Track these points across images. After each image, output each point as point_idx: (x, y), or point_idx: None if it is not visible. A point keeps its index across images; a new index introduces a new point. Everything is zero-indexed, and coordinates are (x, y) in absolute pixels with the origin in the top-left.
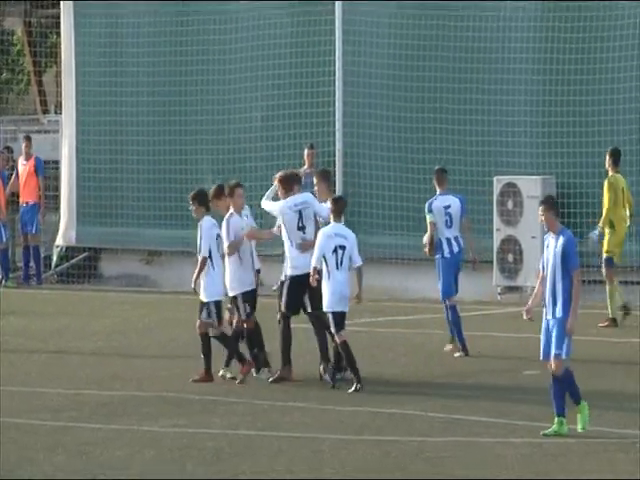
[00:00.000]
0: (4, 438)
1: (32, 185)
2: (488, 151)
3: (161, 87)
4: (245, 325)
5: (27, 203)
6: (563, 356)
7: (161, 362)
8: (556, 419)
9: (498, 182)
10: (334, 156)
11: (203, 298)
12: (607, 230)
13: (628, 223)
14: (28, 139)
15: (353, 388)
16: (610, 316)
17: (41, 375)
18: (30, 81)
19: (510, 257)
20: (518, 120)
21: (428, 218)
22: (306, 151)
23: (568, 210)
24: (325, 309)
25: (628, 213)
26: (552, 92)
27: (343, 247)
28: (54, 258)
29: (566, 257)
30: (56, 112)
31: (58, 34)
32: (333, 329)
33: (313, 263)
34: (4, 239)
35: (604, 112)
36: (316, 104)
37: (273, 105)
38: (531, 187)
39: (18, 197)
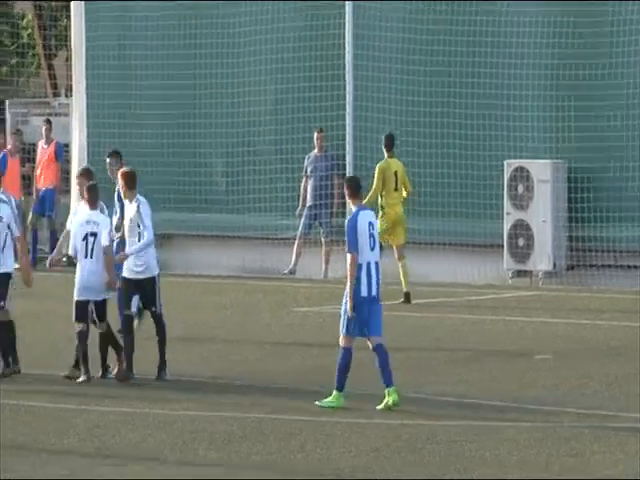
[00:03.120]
0: (15, 421)
1: (52, 170)
2: (498, 135)
3: (171, 70)
4: None
5: (46, 187)
6: None
7: (172, 345)
8: None
9: (508, 166)
10: (344, 140)
11: None
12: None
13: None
14: (49, 122)
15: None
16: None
17: (51, 357)
18: (41, 64)
19: (521, 241)
20: (529, 105)
21: None
22: (315, 134)
23: (578, 195)
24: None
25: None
26: (563, 76)
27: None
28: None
29: None
30: (67, 95)
31: (68, 17)
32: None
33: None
34: None
35: (615, 96)
36: (326, 87)
37: (283, 89)
38: (541, 171)
39: (29, 180)
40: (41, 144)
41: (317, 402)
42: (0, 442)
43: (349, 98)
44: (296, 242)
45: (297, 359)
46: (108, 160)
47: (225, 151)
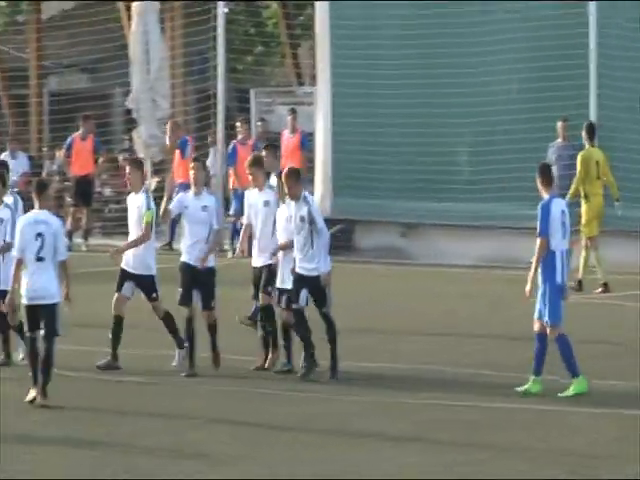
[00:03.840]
0: (251, 408)
1: (296, 159)
2: None
3: (415, 59)
4: None
5: None
6: None
7: (413, 335)
8: None
9: None
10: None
11: None
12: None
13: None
14: (294, 112)
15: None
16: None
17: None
18: (285, 53)
19: None
20: None
21: None
22: (560, 124)
23: None
24: None
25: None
26: None
27: None
28: None
29: None
30: (311, 84)
31: (313, 6)
32: None
33: None
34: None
35: None
36: (567, 77)
37: (529, 78)
38: None
39: None
40: (286, 133)
41: (517, 388)
42: None
43: (592, 88)
44: None
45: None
46: (265, 153)
47: (469, 140)
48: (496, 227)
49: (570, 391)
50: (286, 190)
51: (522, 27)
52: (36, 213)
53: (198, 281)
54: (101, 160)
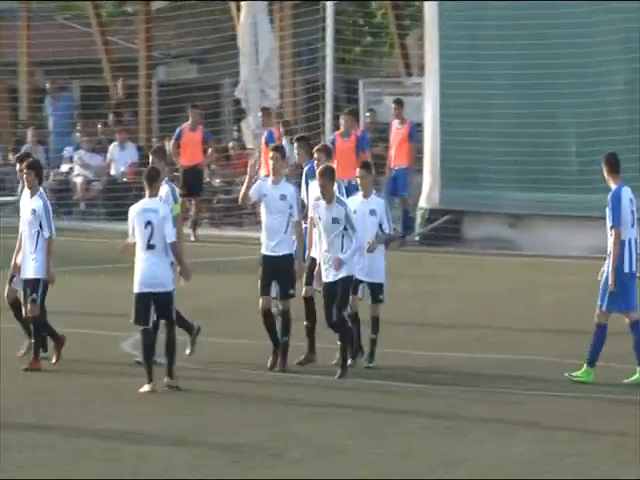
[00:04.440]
0: (367, 400)
1: (405, 149)
2: None
3: (523, 50)
4: None
5: (399, 167)
6: None
7: (524, 325)
8: None
9: None
10: None
11: None
12: None
13: None
14: (398, 103)
15: None
16: None
17: (405, 338)
18: (394, 44)
19: None
20: None
21: None
22: None
23: None
24: None
25: None
26: None
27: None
28: (417, 220)
29: None
30: (419, 74)
31: None
32: None
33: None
34: None
35: None
36: None
37: (633, 69)
38: None
39: (383, 159)
40: (395, 124)
41: (567, 374)
42: None
43: None
44: None
45: None
46: (316, 155)
47: (577, 131)
48: (603, 218)
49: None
50: (320, 189)
51: (627, 18)
52: (145, 202)
53: (278, 271)
54: (210, 150)
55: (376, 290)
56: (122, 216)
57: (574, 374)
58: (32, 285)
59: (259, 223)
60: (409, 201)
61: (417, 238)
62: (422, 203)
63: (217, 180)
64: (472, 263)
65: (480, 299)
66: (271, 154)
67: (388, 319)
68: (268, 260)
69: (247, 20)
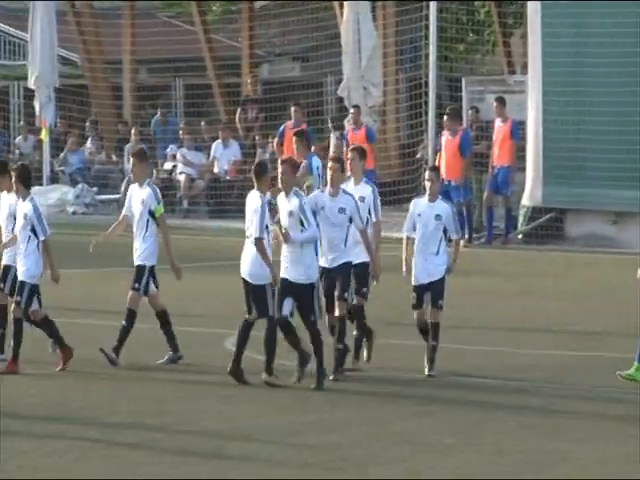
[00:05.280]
0: (456, 395)
1: (507, 147)
2: None
3: (626, 47)
4: None
5: (502, 165)
6: None
7: (629, 323)
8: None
9: None
10: None
11: None
12: None
13: None
14: (500, 101)
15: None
16: None
17: (507, 337)
18: (497, 42)
19: None
20: None
21: None
22: None
23: None
24: None
25: None
26: None
27: None
28: (520, 219)
29: None
30: (522, 72)
31: None
32: None
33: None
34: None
35: None
36: None
37: None
38: None
39: (485, 158)
40: (497, 122)
41: (618, 372)
42: None
43: None
44: None
45: None
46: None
47: None
48: None
49: None
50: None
51: None
52: (251, 195)
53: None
54: (313, 148)
55: (437, 293)
56: (224, 214)
57: (625, 373)
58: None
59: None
60: (512, 199)
61: (520, 236)
62: (525, 201)
63: None
64: (575, 261)
65: (583, 297)
66: (330, 164)
67: (490, 318)
68: (325, 273)
69: (350, 18)
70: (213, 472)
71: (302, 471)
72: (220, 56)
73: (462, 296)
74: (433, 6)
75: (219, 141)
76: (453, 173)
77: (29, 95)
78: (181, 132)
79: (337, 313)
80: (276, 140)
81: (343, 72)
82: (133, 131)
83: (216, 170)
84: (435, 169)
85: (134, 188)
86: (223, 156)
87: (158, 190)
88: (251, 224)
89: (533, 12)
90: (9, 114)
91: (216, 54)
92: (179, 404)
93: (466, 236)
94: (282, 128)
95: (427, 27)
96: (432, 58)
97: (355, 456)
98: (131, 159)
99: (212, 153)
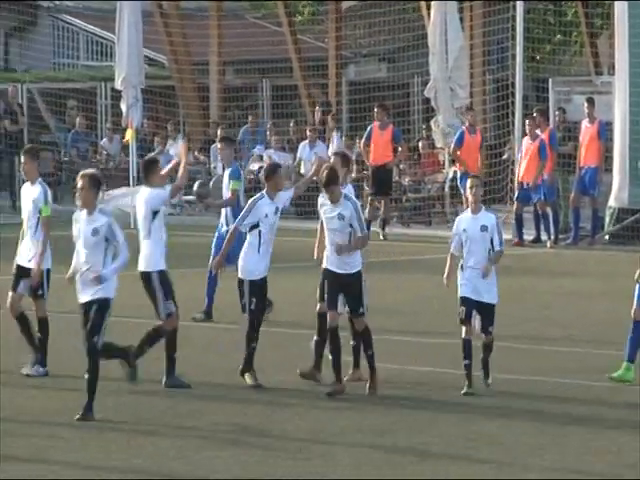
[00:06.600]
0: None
1: (594, 148)
2: None
3: None
4: None
5: (589, 166)
6: None
7: None
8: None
9: None
10: None
11: None
12: None
13: None
14: (590, 102)
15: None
16: None
17: (594, 336)
18: (584, 43)
19: None
20: None
21: None
22: None
23: None
24: None
25: None
26: None
27: None
28: (606, 219)
29: None
30: (609, 73)
31: None
32: None
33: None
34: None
35: None
36: None
37: None
38: None
39: (572, 158)
40: (584, 123)
41: (608, 375)
42: None
43: None
44: None
45: None
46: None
47: None
48: None
49: None
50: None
51: None
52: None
53: (344, 287)
54: (400, 150)
55: (487, 316)
56: (310, 215)
57: (615, 374)
58: None
59: (448, 222)
60: (598, 200)
61: (606, 237)
62: (611, 202)
63: (406, 179)
64: None
65: None
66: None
67: (577, 318)
68: (332, 275)
69: (437, 19)
70: (296, 471)
71: (389, 471)
72: (307, 57)
73: (549, 296)
74: (520, 6)
75: (306, 142)
76: (531, 176)
77: (116, 96)
78: (268, 133)
79: (357, 328)
80: (362, 141)
81: (430, 73)
82: (219, 132)
83: (303, 171)
84: (476, 177)
85: (25, 186)
86: (309, 157)
87: (49, 190)
88: None
89: (620, 12)
90: (97, 115)
91: (303, 55)
92: (263, 405)
93: (552, 237)
94: (369, 129)
95: (514, 27)
96: (519, 59)
97: (446, 455)
98: (22, 157)
99: (298, 154)
